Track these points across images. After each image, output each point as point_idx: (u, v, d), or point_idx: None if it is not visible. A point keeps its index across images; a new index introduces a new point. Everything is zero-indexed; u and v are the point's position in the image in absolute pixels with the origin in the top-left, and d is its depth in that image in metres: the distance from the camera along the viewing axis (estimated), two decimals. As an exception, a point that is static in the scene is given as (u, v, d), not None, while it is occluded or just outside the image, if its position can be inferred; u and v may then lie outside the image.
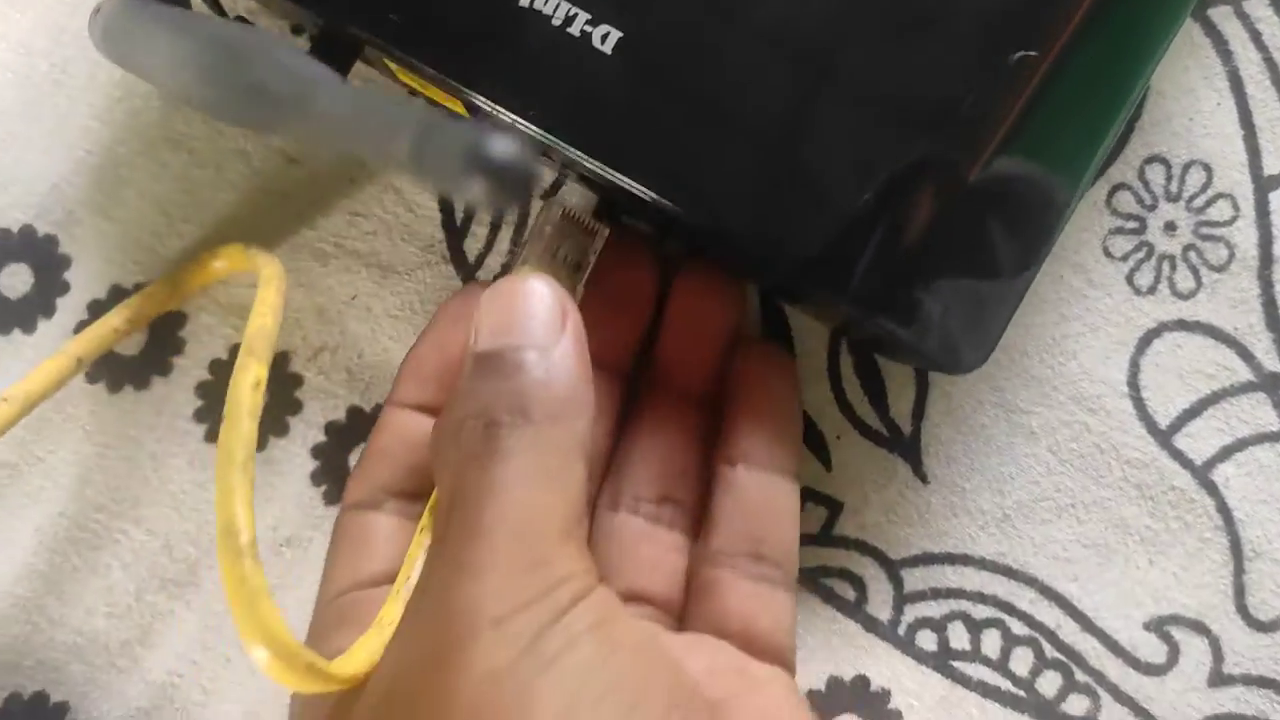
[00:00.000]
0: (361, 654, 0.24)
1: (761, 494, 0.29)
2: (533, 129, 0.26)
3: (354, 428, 0.33)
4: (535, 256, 0.28)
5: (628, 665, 0.23)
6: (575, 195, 0.31)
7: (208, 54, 0.23)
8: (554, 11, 0.26)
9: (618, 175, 0.26)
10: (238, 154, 0.33)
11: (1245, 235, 0.32)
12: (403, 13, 0.26)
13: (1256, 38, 0.32)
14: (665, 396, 0.30)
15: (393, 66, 0.28)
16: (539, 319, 0.24)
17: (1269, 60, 0.32)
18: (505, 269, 0.32)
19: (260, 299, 0.27)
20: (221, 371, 0.33)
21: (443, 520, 0.24)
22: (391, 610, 0.25)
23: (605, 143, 0.26)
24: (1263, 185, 0.32)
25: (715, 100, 0.26)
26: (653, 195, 0.26)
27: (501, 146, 0.18)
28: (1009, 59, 0.26)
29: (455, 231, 0.33)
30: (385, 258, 0.33)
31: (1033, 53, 0.26)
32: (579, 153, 0.26)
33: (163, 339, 0.33)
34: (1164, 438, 0.32)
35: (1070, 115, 0.26)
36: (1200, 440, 0.33)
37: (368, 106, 0.21)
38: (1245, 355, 0.32)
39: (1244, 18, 0.33)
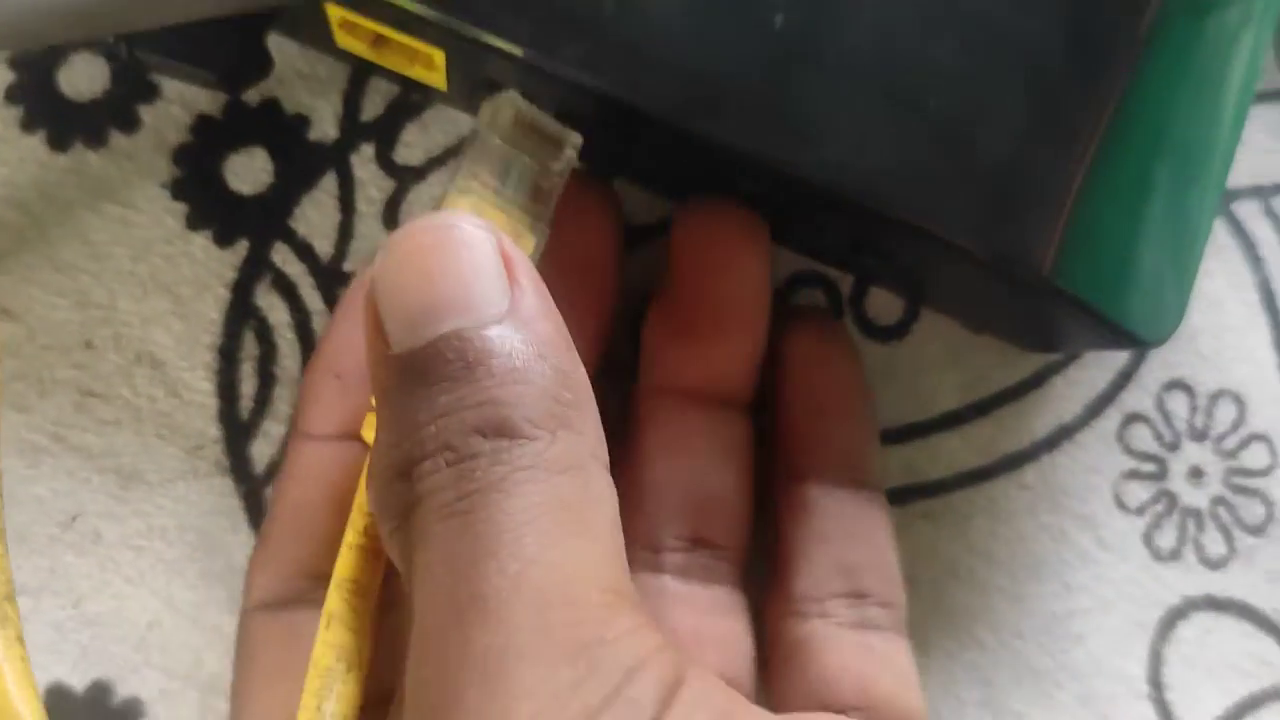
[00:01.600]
0: None
1: (846, 513, 0.24)
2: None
3: (62, 711, 0.24)
4: (476, 181, 0.20)
5: None
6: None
7: None
8: None
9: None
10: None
11: (1286, 489, 0.27)
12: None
13: (1289, 243, 0.27)
14: (667, 399, 0.24)
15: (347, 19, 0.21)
16: (483, 275, 0.17)
17: (1304, 272, 0.27)
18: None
19: None
20: None
21: (418, 623, 0.17)
22: None
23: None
24: (1304, 428, 0.27)
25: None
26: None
27: None
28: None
29: (239, 428, 0.24)
30: (129, 461, 0.25)
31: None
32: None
33: None
34: (1196, 757, 0.26)
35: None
36: (1241, 762, 0.26)
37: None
38: (1289, 646, 0.27)
39: (1274, 217, 0.27)
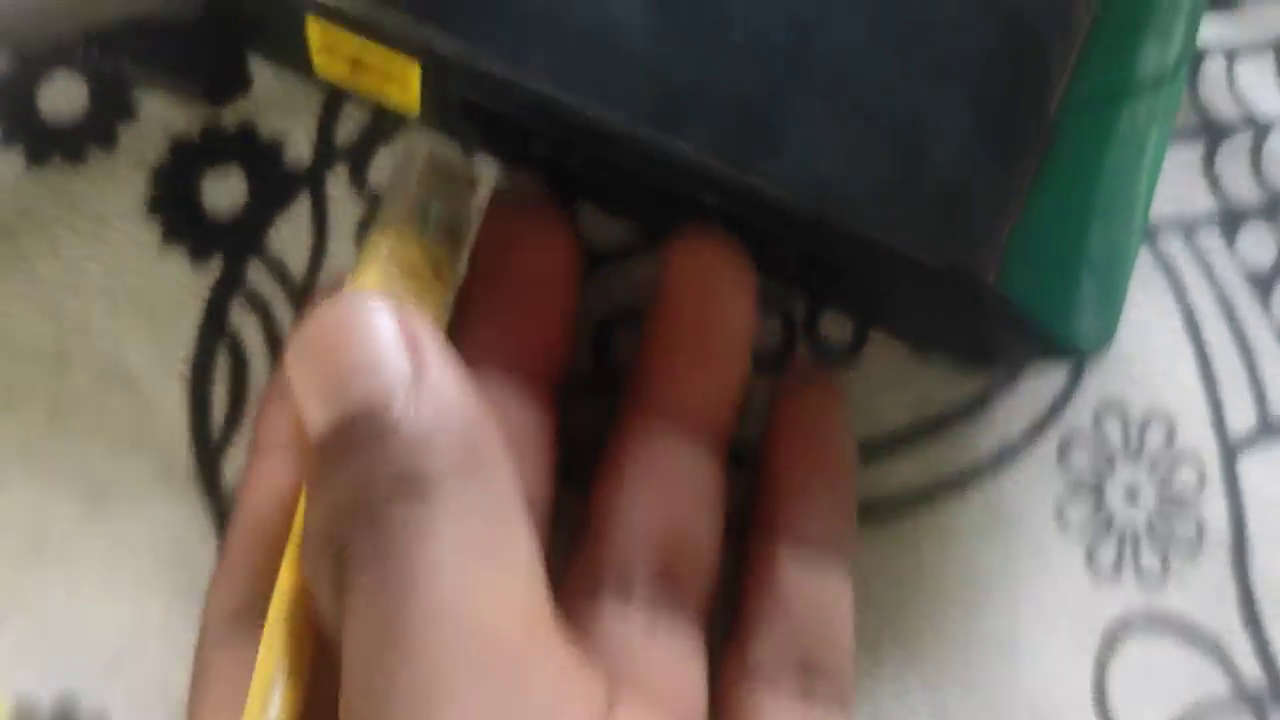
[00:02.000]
0: None
1: (812, 586, 0.24)
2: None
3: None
4: (397, 220, 0.21)
5: None
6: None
7: None
8: None
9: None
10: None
11: (1214, 509, 0.28)
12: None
13: (1208, 272, 0.28)
14: (650, 422, 0.23)
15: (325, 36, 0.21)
16: (384, 347, 0.18)
17: (1223, 299, 0.28)
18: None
19: None
20: None
21: (346, 666, 0.17)
22: None
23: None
24: (1230, 448, 0.28)
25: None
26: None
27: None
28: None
29: (211, 444, 0.25)
30: (101, 476, 0.24)
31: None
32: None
33: None
34: (1140, 770, 0.27)
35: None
36: (1182, 776, 0.27)
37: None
38: (1224, 662, 0.27)
39: (1195, 248, 0.29)
